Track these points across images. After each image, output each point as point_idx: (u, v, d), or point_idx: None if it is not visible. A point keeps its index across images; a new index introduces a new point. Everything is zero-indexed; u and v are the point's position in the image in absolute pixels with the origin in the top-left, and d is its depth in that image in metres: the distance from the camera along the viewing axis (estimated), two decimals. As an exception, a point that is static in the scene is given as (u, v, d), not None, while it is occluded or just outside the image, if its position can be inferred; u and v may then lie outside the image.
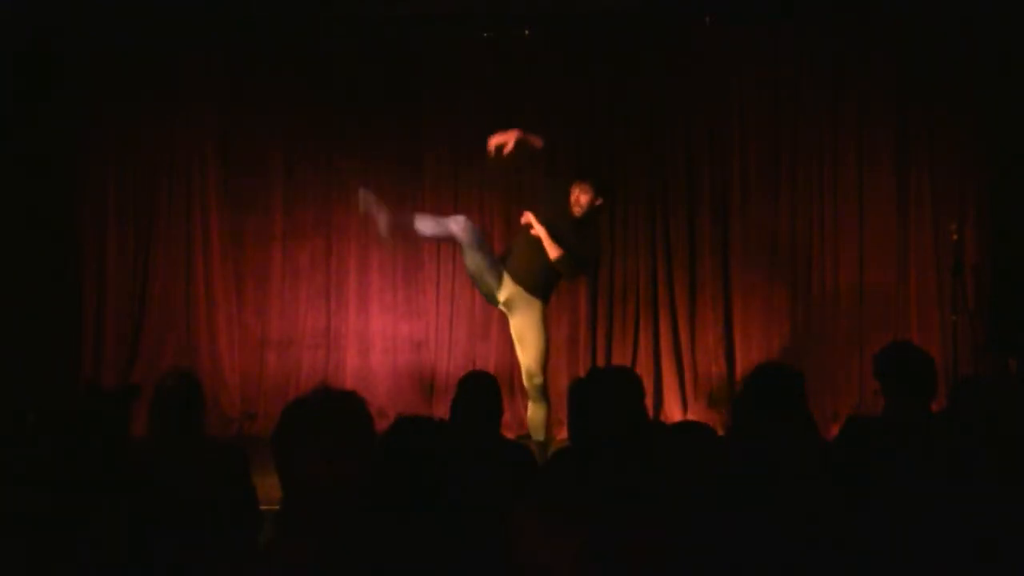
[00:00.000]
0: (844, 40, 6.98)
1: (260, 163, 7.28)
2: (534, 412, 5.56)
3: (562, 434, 6.56)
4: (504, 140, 5.50)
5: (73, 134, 7.21)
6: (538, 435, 5.52)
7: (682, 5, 6.93)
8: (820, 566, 2.41)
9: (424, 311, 7.27)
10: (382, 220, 5.71)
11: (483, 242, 5.66)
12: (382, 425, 2.44)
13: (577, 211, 5.49)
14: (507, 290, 5.55)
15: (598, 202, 5.53)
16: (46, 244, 7.11)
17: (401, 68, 7.20)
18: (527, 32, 7.11)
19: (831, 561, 2.41)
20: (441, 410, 6.35)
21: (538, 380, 5.53)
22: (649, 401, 5.77)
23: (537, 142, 5.55)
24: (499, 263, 5.59)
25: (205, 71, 7.23)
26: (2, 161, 6.94)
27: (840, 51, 6.99)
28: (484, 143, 7.17)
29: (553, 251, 5.42)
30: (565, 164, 7.17)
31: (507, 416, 5.79)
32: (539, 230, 5.45)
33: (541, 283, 5.56)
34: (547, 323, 5.62)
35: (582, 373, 6.14)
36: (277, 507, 2.14)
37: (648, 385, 6.50)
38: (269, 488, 2.76)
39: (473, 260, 5.59)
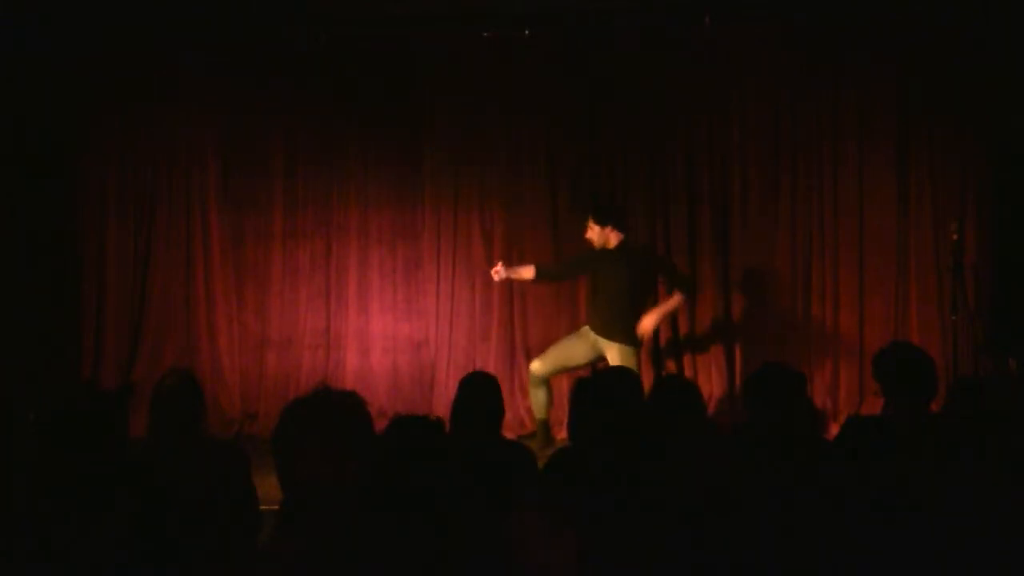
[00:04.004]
0: (844, 40, 6.97)
1: (260, 163, 7.28)
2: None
3: (562, 434, 6.57)
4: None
5: (73, 134, 7.20)
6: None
7: (682, 5, 6.91)
8: (820, 565, 2.41)
9: (424, 311, 7.26)
10: None
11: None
12: (382, 425, 2.44)
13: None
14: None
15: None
16: (46, 244, 7.11)
17: (401, 68, 7.19)
18: (527, 32, 7.10)
19: (832, 560, 2.41)
20: (441, 410, 6.34)
21: None
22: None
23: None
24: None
25: (205, 71, 7.22)
26: (2, 161, 6.93)
27: (840, 51, 6.98)
28: (484, 143, 7.22)
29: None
30: (562, 165, 7.19)
31: (507, 416, 5.80)
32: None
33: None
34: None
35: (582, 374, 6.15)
36: (277, 507, 2.14)
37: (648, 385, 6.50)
38: (269, 488, 2.76)
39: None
